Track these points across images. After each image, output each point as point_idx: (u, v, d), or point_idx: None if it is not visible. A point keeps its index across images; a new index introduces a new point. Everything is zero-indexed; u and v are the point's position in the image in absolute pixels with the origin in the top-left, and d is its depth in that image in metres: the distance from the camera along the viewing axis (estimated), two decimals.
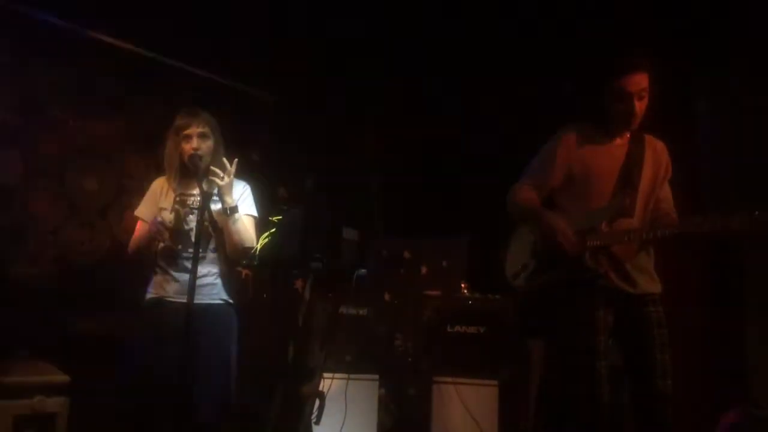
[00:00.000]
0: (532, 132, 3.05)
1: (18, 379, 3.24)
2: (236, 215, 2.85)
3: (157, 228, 2.75)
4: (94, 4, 4.04)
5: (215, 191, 2.84)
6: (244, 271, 4.08)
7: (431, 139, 4.98)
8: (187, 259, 2.79)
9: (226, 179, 2.82)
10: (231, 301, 2.94)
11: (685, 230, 2.50)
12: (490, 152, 4.60)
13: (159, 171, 3.04)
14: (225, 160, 2.84)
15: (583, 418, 2.65)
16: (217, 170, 2.82)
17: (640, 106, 2.67)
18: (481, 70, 4.64)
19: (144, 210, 2.99)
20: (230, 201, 2.84)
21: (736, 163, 3.89)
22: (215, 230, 2.77)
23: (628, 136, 2.79)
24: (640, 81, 2.64)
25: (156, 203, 2.97)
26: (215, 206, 2.88)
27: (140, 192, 3.10)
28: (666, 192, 2.84)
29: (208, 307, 2.83)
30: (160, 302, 2.84)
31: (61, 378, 3.38)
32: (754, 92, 3.81)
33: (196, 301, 2.54)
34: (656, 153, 2.81)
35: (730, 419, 3.20)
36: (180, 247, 2.85)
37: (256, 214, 3.03)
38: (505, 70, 4.57)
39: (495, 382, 3.88)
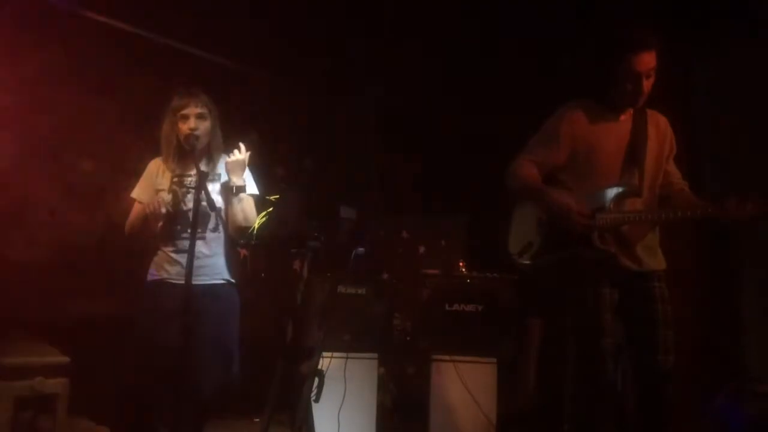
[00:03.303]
0: (531, 110, 3.03)
1: (18, 361, 3.25)
2: (242, 194, 2.86)
3: (153, 208, 2.75)
4: None
5: (214, 171, 2.84)
6: (242, 251, 4.07)
7: (430, 118, 4.96)
8: (187, 239, 2.77)
9: (240, 158, 2.82)
10: (232, 280, 2.94)
11: (699, 214, 2.51)
12: (488, 131, 4.58)
13: (156, 151, 3.02)
14: (241, 144, 2.84)
15: (587, 396, 2.67)
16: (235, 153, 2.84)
17: (647, 85, 2.65)
18: (480, 48, 4.61)
19: (140, 191, 2.98)
20: (239, 180, 2.84)
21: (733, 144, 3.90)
22: (213, 210, 2.77)
23: (631, 112, 2.77)
24: (649, 60, 2.62)
25: (152, 184, 2.95)
26: (213, 186, 2.88)
27: (137, 172, 3.08)
28: (673, 167, 2.82)
29: (209, 287, 2.83)
30: (160, 284, 2.84)
31: (61, 359, 3.39)
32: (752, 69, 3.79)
33: (196, 282, 2.55)
34: (659, 129, 2.79)
35: (723, 398, 3.22)
36: (179, 227, 2.85)
37: (257, 192, 3.04)
38: (506, 49, 4.54)
39: (494, 360, 3.90)
